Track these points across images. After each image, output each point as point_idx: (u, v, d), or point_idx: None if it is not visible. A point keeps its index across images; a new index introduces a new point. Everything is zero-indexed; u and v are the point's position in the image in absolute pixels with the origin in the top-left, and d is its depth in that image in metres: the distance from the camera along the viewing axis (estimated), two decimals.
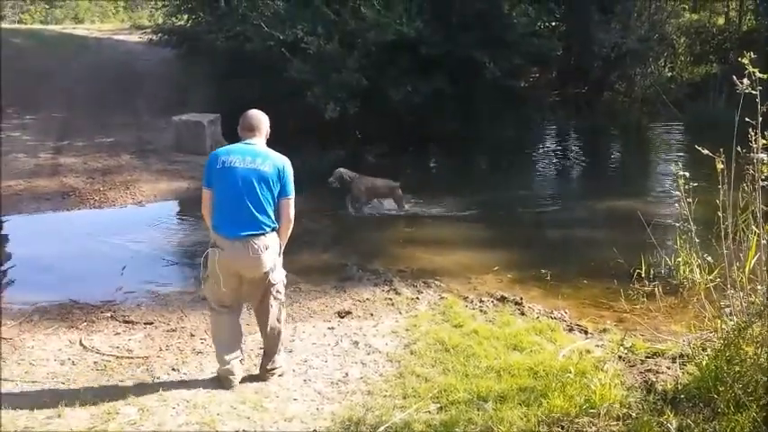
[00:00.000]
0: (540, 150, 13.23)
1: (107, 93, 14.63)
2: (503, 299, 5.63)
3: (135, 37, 19.86)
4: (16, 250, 7.11)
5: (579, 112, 15.17)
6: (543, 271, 6.06)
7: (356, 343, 4.72)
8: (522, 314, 5.30)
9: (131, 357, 4.45)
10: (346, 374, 4.22)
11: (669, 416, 3.30)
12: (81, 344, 4.69)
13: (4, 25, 22.53)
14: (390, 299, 5.66)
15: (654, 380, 3.86)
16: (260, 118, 4.25)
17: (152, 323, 5.08)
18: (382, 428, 3.43)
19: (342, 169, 8.48)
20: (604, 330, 5.01)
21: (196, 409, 3.70)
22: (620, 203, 8.78)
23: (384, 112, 11.59)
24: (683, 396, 3.59)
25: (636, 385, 3.83)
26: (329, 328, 5.02)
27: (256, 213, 3.96)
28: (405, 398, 3.79)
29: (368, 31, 10.88)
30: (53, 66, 16.53)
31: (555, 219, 8.69)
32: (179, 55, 15.42)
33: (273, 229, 4.06)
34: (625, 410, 3.44)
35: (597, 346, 4.63)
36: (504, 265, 6.61)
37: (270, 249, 4.03)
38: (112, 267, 6.42)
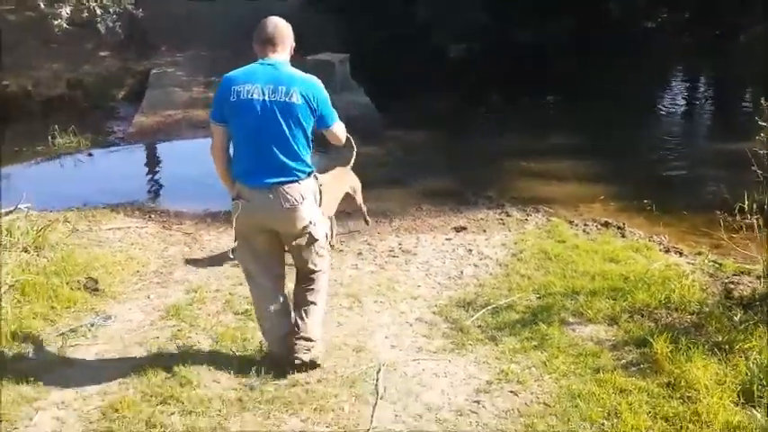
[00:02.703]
0: (665, 93, 13.11)
1: (244, 35, 15.91)
2: (606, 224, 6.17)
3: None
4: (182, 168, 8.40)
5: (711, 55, 14.69)
6: (646, 201, 6.52)
7: (470, 251, 5.49)
8: (623, 237, 5.83)
9: None
10: (461, 272, 5.02)
11: (737, 312, 3.86)
12: None
13: None
14: (502, 219, 6.37)
15: (732, 288, 4.38)
16: (282, 29, 3.36)
17: None
18: (489, 307, 4.22)
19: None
20: (699, 253, 5.43)
21: (342, 286, 4.65)
22: (740, 145, 8.84)
23: (506, 52, 12.00)
24: (757, 303, 4.11)
25: (715, 292, 4.38)
26: (447, 239, 5.80)
27: (286, 159, 3.25)
28: (510, 290, 4.54)
29: None
30: (195, 8, 18.09)
31: (669, 157, 8.94)
32: None
33: (310, 174, 3.37)
34: (699, 308, 4.02)
35: (689, 263, 5.15)
36: (612, 195, 7.08)
37: (307, 200, 3.33)
38: None
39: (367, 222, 5.92)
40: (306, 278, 3.54)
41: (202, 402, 3.11)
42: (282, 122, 3.22)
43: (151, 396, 3.17)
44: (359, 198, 5.78)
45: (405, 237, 5.92)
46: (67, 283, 4.40)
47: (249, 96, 3.21)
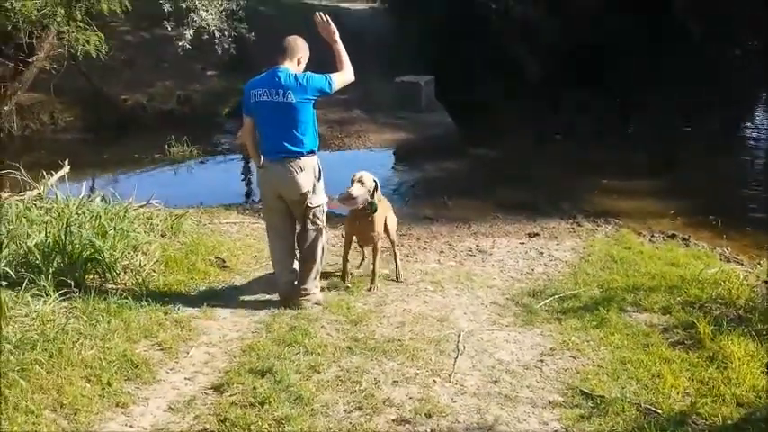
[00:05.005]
0: (748, 121, 13.21)
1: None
2: (672, 236, 6.65)
3: (359, 5, 22.25)
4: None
5: None
6: (712, 217, 6.96)
7: (541, 253, 6.10)
8: (687, 246, 6.32)
9: None
10: (532, 270, 5.64)
11: None
12: None
13: None
14: (573, 228, 6.95)
15: None
16: (291, 43, 4.51)
17: None
18: (556, 296, 4.84)
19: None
20: (759, 264, 5.87)
21: (427, 275, 5.38)
22: None
23: (583, 78, 12.53)
24: None
25: (765, 293, 4.83)
26: (520, 243, 6.44)
27: (289, 141, 4.33)
28: (575, 284, 5.13)
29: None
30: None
31: (742, 179, 9.27)
32: (399, 21, 17.34)
33: (311, 152, 4.43)
34: (746, 303, 4.51)
35: (746, 271, 5.58)
36: (682, 211, 7.56)
37: (305, 172, 4.39)
38: None
39: (398, 278, 5.25)
40: (303, 238, 4.61)
41: (320, 347, 3.89)
42: (284, 116, 4.34)
43: (279, 341, 3.98)
44: (392, 235, 5.28)
45: (482, 239, 6.60)
46: (201, 260, 5.31)
47: (261, 99, 4.39)
